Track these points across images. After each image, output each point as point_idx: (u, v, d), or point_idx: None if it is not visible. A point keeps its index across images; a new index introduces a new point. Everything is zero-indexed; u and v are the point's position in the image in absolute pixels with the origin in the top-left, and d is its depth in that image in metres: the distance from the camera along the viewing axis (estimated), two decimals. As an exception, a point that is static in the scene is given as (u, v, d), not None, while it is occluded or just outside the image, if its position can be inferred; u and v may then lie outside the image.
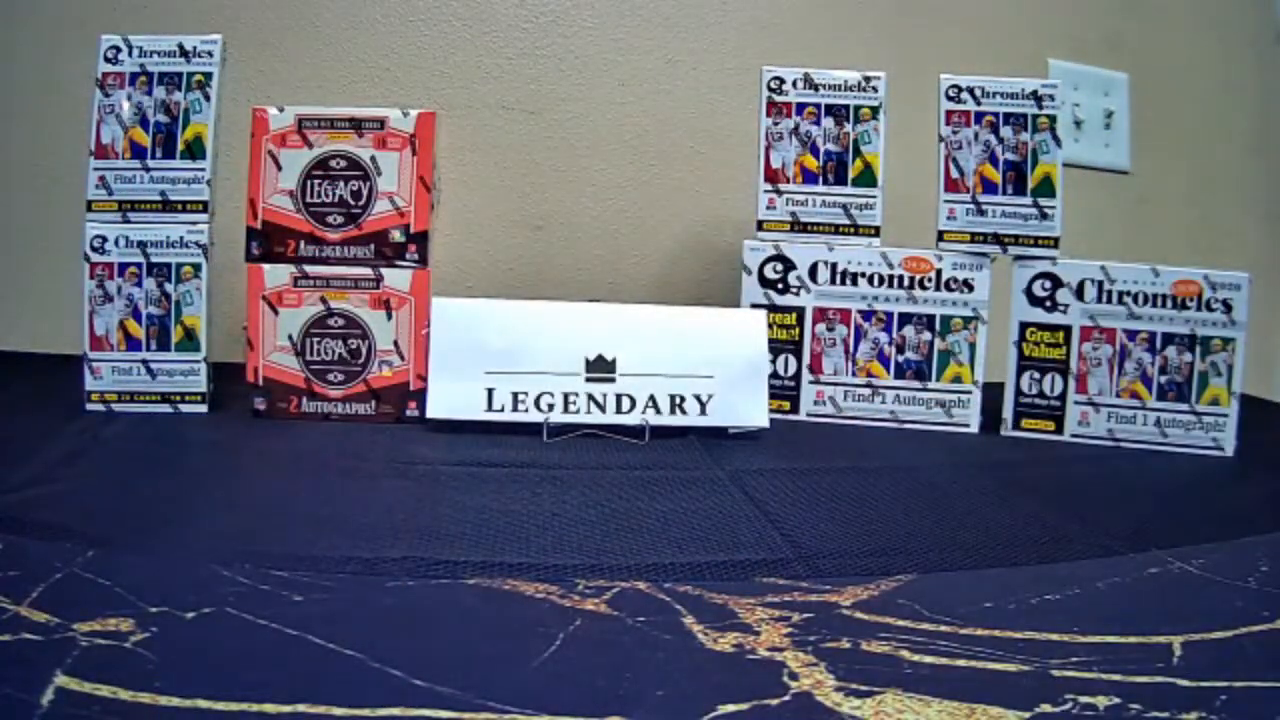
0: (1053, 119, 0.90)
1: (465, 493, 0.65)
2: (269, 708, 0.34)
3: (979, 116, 0.91)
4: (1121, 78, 1.31)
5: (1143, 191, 1.34)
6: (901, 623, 0.45)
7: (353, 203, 0.84)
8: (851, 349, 0.92)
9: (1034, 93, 0.90)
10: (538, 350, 0.83)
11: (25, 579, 0.45)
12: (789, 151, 0.93)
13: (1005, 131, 0.90)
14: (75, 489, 0.62)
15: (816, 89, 0.93)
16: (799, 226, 0.94)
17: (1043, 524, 0.64)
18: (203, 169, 0.83)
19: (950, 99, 0.91)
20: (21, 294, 1.10)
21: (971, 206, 0.90)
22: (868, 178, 0.93)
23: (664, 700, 0.37)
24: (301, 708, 0.34)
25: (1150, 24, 1.33)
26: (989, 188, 0.90)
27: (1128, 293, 0.87)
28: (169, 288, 0.83)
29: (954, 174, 0.91)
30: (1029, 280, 0.89)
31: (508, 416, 0.81)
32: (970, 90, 0.90)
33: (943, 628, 0.45)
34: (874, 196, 0.93)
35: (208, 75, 0.84)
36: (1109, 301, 0.87)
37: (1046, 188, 0.89)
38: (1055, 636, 0.44)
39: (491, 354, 0.83)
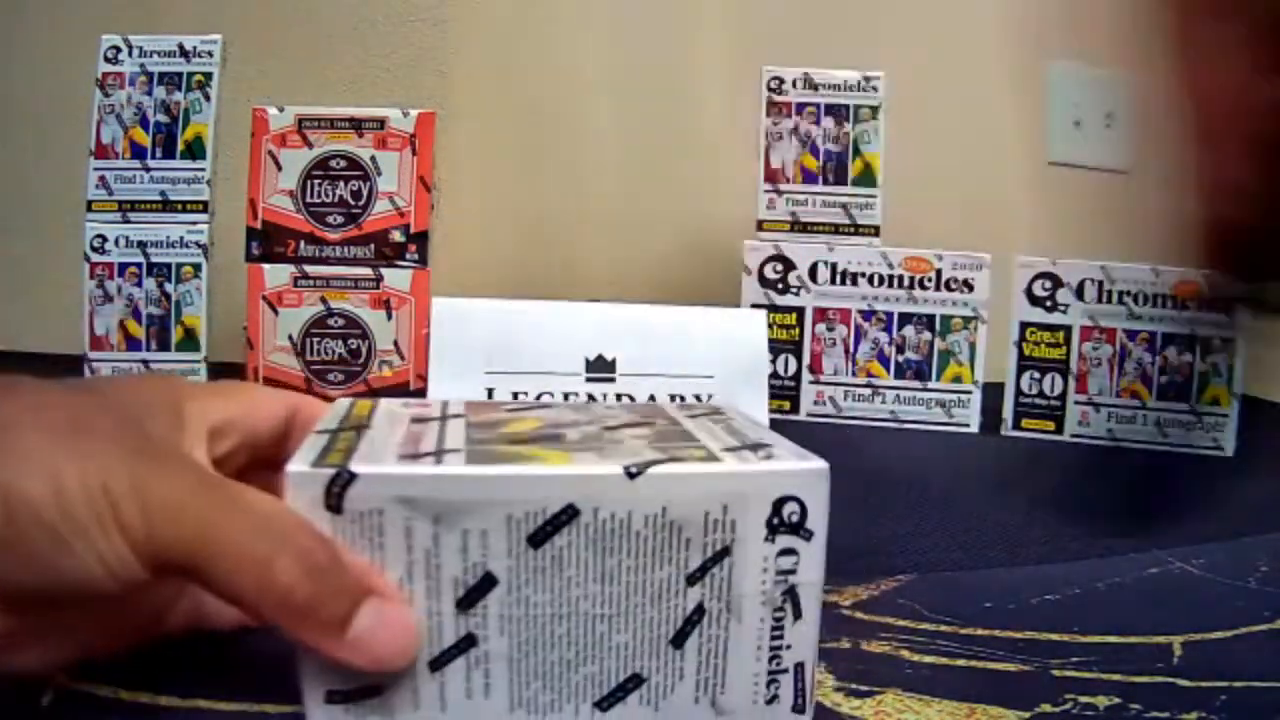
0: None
1: (465, 493, 0.65)
2: (269, 708, 0.34)
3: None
4: (1121, 78, 1.31)
5: (1143, 191, 1.33)
6: (901, 623, 0.45)
7: (353, 203, 0.84)
8: (851, 349, 0.92)
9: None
10: (538, 350, 0.83)
11: (25, 579, 0.45)
12: (789, 151, 0.93)
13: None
14: (75, 489, 0.62)
15: (816, 89, 0.93)
16: (799, 226, 0.94)
17: (1043, 524, 0.64)
18: (203, 169, 0.83)
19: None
20: (21, 294, 1.11)
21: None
22: (868, 178, 0.93)
23: (664, 700, 0.37)
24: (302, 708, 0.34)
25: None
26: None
27: (1128, 293, 0.87)
28: (169, 288, 0.83)
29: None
30: (1029, 280, 0.89)
31: (508, 416, 0.81)
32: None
33: (943, 628, 0.45)
34: (874, 196, 0.93)
35: (208, 75, 0.84)
36: (1109, 301, 0.87)
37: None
38: (1055, 636, 0.44)
39: (491, 354, 0.83)
